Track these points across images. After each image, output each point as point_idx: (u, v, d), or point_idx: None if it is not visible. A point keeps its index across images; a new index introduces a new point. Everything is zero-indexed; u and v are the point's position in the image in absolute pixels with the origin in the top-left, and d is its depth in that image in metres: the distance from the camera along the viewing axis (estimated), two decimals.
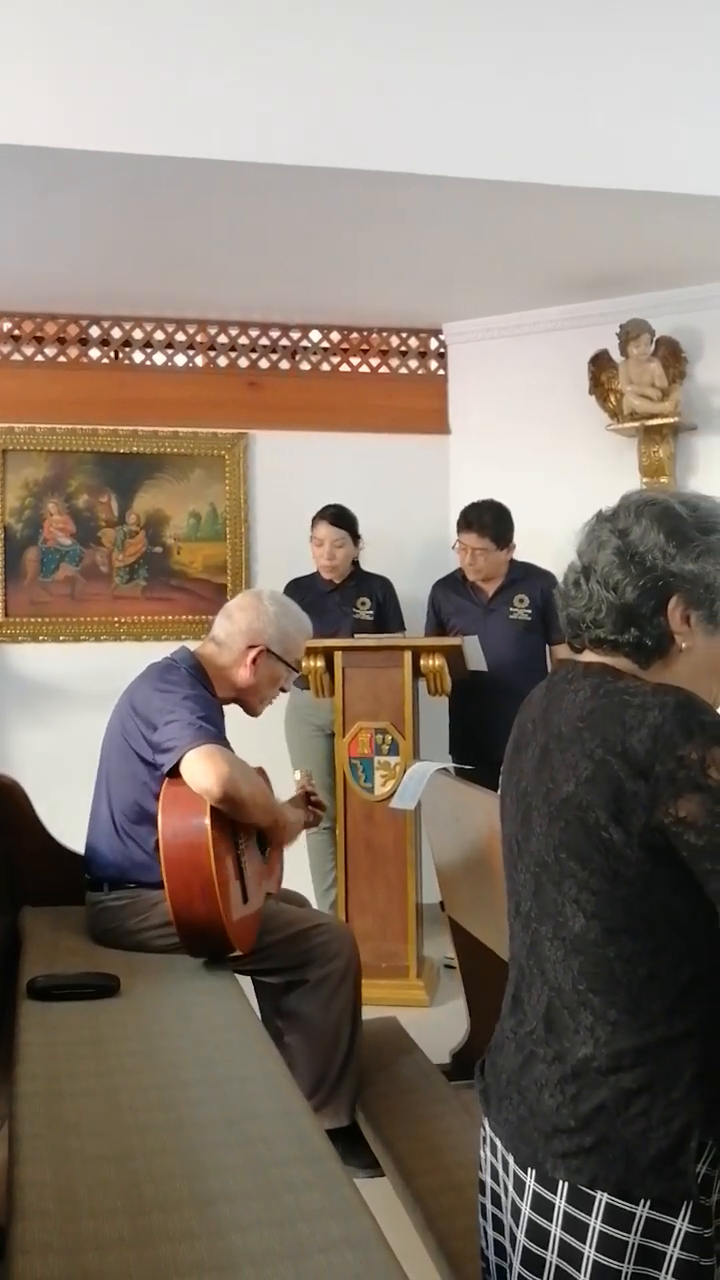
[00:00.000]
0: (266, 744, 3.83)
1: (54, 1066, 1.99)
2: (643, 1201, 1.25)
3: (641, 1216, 1.25)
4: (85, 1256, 1.37)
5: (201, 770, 2.52)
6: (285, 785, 3.39)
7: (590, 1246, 1.27)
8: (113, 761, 2.82)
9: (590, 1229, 1.27)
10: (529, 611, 4.34)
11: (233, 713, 2.95)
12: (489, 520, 4.27)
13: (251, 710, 2.99)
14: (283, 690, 3.05)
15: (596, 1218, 1.26)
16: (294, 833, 2.90)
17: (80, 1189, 1.53)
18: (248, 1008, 2.39)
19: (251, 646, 2.89)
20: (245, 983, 2.66)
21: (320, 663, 4.02)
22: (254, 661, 2.89)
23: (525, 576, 4.38)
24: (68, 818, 3.10)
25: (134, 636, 4.90)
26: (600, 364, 4.68)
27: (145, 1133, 1.71)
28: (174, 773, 2.59)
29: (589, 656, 1.42)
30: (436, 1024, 3.62)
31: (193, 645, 2.98)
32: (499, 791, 1.52)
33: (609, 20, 3.48)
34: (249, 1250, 1.38)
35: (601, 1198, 1.26)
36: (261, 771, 2.99)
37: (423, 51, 3.36)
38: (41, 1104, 1.82)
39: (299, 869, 4.06)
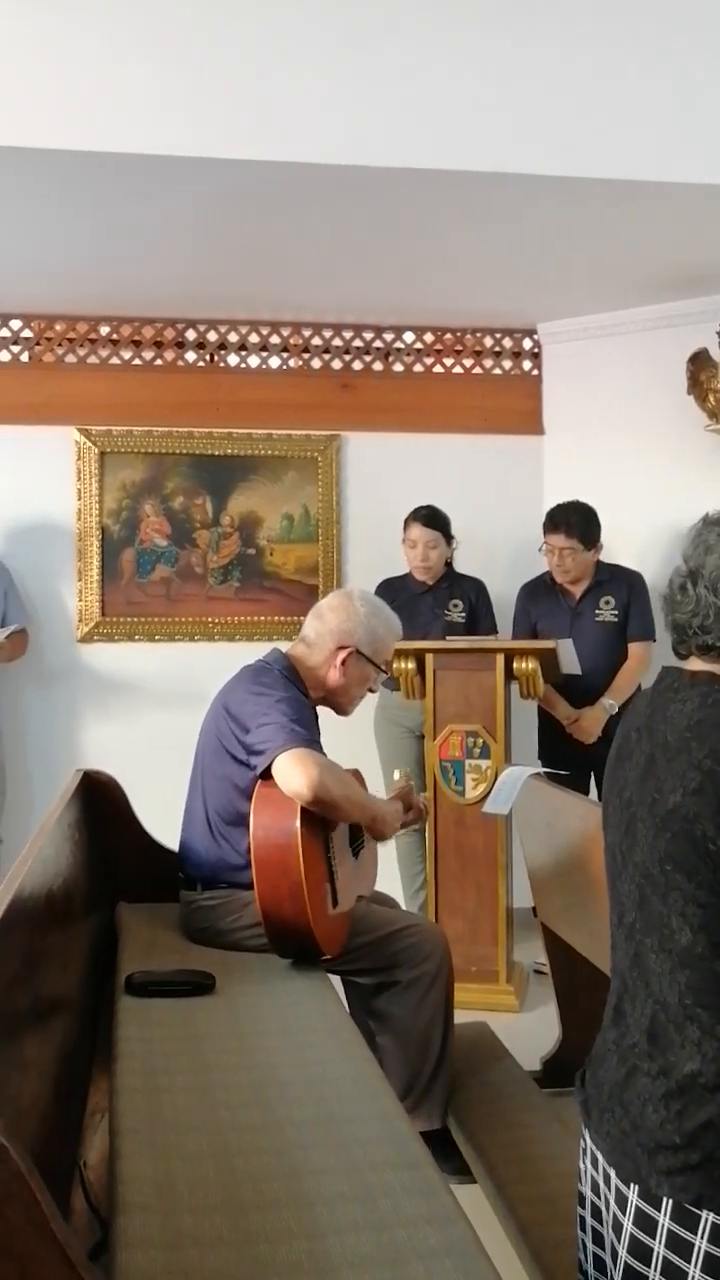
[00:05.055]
0: (356, 745, 3.84)
1: (151, 1062, 2.01)
2: None
3: None
4: (186, 1253, 1.38)
5: (292, 773, 2.54)
6: (377, 787, 3.40)
7: (695, 1266, 1.24)
8: (207, 762, 2.84)
9: (696, 1249, 1.24)
10: (615, 613, 4.33)
11: (323, 714, 2.96)
12: (576, 521, 4.27)
13: (341, 710, 3.00)
14: (370, 691, 3.05)
15: (702, 1237, 1.24)
16: (391, 825, 2.84)
17: (180, 1185, 1.55)
18: (341, 1008, 2.40)
19: (341, 647, 2.90)
20: (337, 982, 2.67)
21: (411, 664, 4.02)
22: (343, 663, 2.89)
23: (611, 578, 4.39)
24: (162, 815, 3.14)
25: (227, 637, 4.95)
26: (699, 363, 4.59)
27: (242, 1131, 1.72)
28: (267, 775, 2.61)
29: (695, 665, 1.40)
30: (526, 1030, 3.59)
31: (284, 646, 3.00)
32: (601, 800, 1.50)
33: (705, 13, 3.42)
34: (347, 1254, 1.38)
35: (708, 1217, 1.24)
36: (357, 774, 3.00)
37: (514, 50, 3.32)
38: (140, 1099, 1.85)
39: (388, 870, 4.06)
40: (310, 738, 2.68)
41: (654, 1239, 1.28)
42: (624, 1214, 1.32)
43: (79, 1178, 1.85)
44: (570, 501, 4.35)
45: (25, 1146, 1.05)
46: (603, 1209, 1.38)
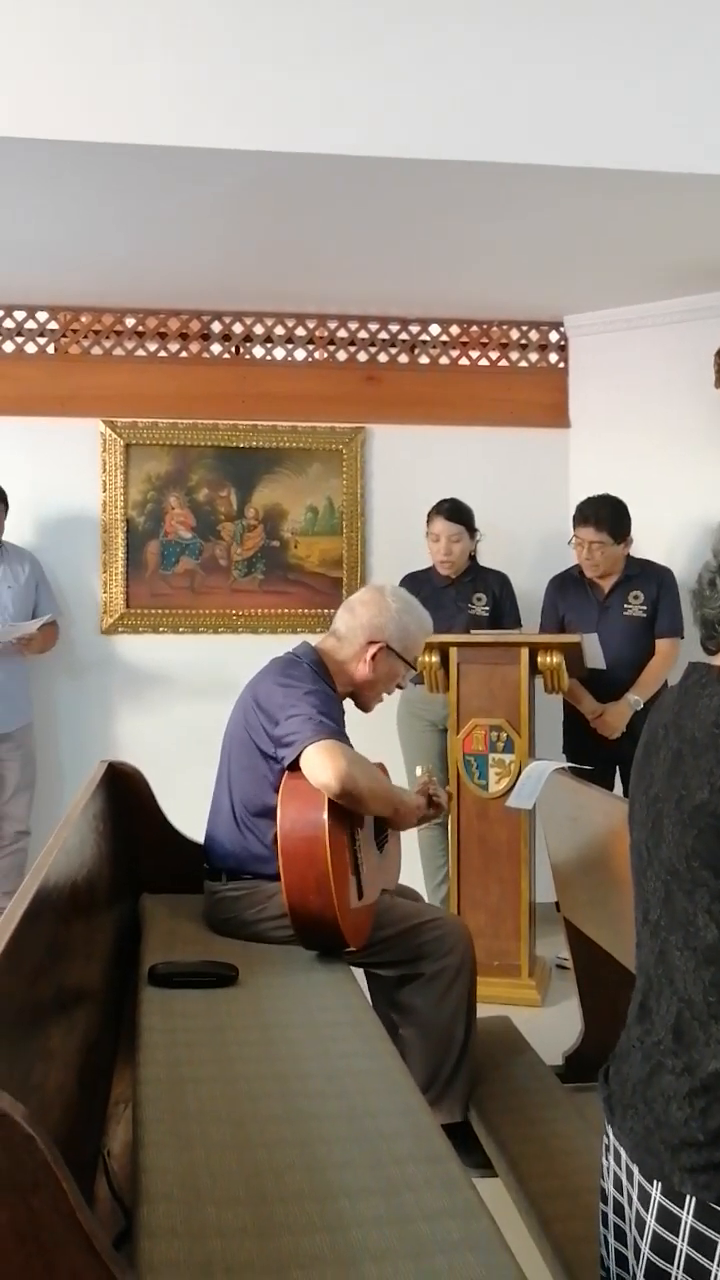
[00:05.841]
0: (379, 738, 3.83)
1: (175, 1053, 2.02)
2: None
3: None
4: (209, 1243, 1.39)
5: (320, 765, 2.54)
6: (401, 780, 3.40)
7: (718, 1264, 1.24)
8: (234, 754, 2.85)
9: (719, 1247, 1.24)
10: (644, 608, 4.31)
11: (347, 708, 2.96)
12: (606, 514, 4.25)
13: (364, 706, 3.00)
14: (399, 687, 3.05)
15: None
16: (412, 816, 2.85)
17: (203, 1176, 1.56)
18: (364, 1001, 2.40)
19: (372, 642, 2.90)
20: (359, 975, 2.67)
21: (435, 658, 4.01)
22: (373, 658, 2.89)
23: (641, 573, 4.37)
24: (185, 806, 3.15)
25: (251, 629, 4.96)
26: None
27: (265, 1123, 1.73)
28: (294, 766, 2.61)
29: None
30: (548, 1024, 3.59)
31: (313, 639, 3.00)
32: (627, 796, 1.49)
33: None
34: (369, 1247, 1.39)
35: None
36: (383, 768, 3.00)
37: (538, 40, 3.31)
38: (164, 1090, 1.86)
39: (410, 863, 4.06)
40: (339, 731, 2.68)
41: (677, 1236, 1.28)
42: (647, 1211, 1.31)
43: (103, 1166, 1.86)
44: (600, 495, 4.33)
45: (51, 1136, 1.06)
46: (625, 1205, 1.38)
